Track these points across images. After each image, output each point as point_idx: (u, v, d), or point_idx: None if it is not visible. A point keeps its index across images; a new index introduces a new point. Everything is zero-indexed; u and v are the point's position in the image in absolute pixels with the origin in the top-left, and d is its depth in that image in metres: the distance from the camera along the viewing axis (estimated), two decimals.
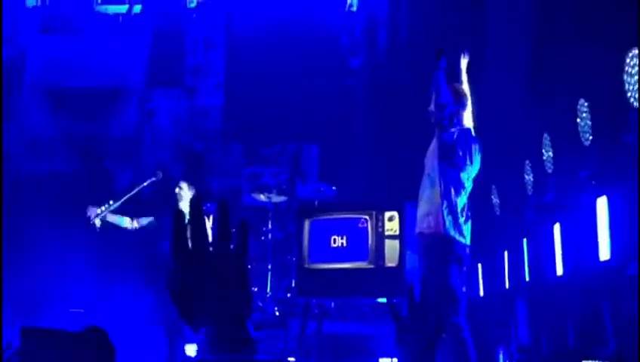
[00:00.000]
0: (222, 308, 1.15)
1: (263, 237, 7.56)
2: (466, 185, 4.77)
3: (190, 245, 1.18)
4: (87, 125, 9.38)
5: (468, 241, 4.69)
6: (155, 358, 6.57)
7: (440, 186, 4.70)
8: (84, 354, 1.54)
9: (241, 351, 1.13)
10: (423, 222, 4.77)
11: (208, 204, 7.45)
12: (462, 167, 4.73)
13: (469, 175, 4.78)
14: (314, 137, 9.07)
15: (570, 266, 5.54)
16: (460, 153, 4.71)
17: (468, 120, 4.89)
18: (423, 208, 4.80)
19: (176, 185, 6.76)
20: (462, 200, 4.72)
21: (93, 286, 7.14)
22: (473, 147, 4.79)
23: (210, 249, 1.18)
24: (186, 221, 1.20)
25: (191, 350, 6.54)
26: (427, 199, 4.78)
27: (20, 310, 6.71)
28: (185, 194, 6.71)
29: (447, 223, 4.62)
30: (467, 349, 4.45)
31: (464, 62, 5.02)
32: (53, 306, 7.01)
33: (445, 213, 4.64)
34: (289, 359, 6.42)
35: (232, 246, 1.18)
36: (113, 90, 9.62)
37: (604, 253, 4.80)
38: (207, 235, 1.18)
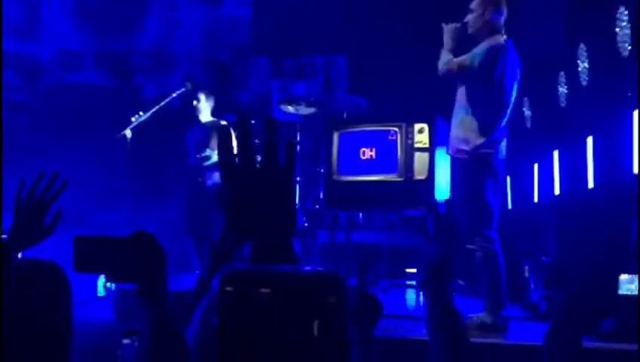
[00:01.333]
0: (268, 221, 1.17)
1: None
2: (510, 107, 4.63)
3: (237, 160, 1.20)
4: (114, 37, 9.33)
5: (503, 155, 4.63)
6: (185, 267, 6.71)
7: (479, 115, 4.58)
8: (136, 257, 1.56)
9: (285, 263, 1.15)
10: (456, 144, 4.69)
11: (235, 116, 7.47)
12: (510, 93, 4.58)
13: (513, 96, 4.63)
14: (343, 49, 8.92)
15: (602, 179, 5.49)
16: (506, 80, 4.55)
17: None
18: (456, 131, 4.70)
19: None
20: (503, 122, 4.61)
21: (123, 198, 7.24)
22: (516, 66, 4.61)
23: (257, 164, 1.20)
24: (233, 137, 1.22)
25: None
26: (460, 124, 4.67)
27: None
28: (203, 106, 6.69)
29: (484, 144, 4.54)
30: (497, 261, 4.48)
31: None
32: (88, 218, 7.15)
33: (482, 136, 4.55)
34: (317, 269, 6.54)
35: (278, 162, 1.20)
36: (138, 1, 9.49)
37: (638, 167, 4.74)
38: (253, 151, 1.20)
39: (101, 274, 1.59)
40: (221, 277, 0.97)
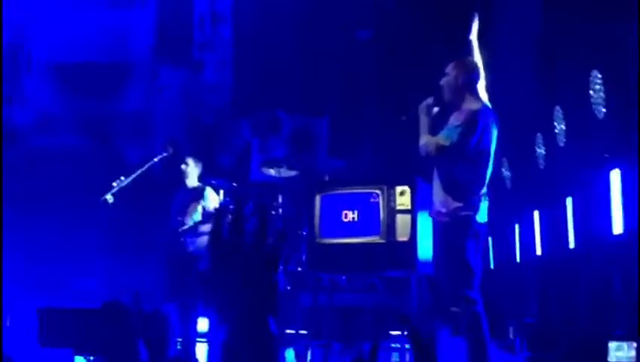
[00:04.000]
0: (247, 305, 1.18)
1: (273, 212, 7.56)
2: (488, 171, 4.62)
3: (227, 239, 1.21)
4: (95, 102, 9.37)
5: (485, 219, 4.62)
6: (169, 333, 6.61)
7: (458, 180, 4.57)
8: (106, 329, 1.54)
9: (260, 351, 1.16)
10: (436, 207, 4.69)
11: (220, 180, 7.46)
12: (485, 166, 4.58)
13: (491, 159, 4.62)
14: (323, 111, 9.01)
15: (583, 240, 5.52)
16: (483, 155, 4.55)
17: (483, 92, 4.73)
18: (436, 194, 4.70)
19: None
20: (483, 187, 4.60)
21: (105, 263, 7.17)
22: (492, 131, 4.60)
23: (245, 245, 1.21)
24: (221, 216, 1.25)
25: (204, 324, 6.58)
26: (440, 187, 4.67)
27: (33, 290, 6.75)
28: (191, 171, 6.69)
29: (464, 206, 4.54)
30: (480, 323, 4.44)
31: (475, 28, 4.84)
32: (66, 285, 7.06)
33: (461, 200, 4.55)
34: (301, 332, 6.46)
35: (266, 246, 1.22)
36: (120, 66, 9.58)
37: (617, 227, 4.78)
38: (243, 232, 1.21)
39: (68, 347, 1.56)
40: None
